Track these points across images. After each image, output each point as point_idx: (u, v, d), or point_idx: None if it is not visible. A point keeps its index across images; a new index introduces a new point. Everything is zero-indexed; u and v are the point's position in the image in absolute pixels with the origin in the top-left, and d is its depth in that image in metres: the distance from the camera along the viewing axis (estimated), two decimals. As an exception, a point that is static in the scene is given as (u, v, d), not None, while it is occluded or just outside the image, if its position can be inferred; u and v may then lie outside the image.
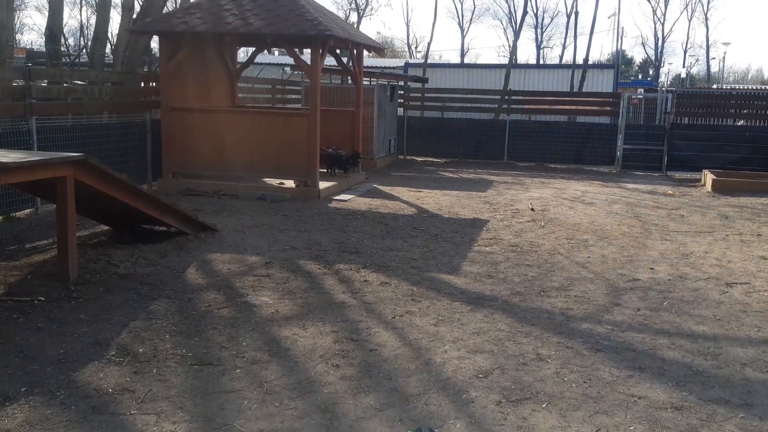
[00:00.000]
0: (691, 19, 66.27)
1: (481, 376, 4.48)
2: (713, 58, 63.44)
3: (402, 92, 18.30)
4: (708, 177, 14.05)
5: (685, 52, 65.13)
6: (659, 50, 65.46)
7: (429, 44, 29.09)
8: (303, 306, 5.80)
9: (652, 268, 7.39)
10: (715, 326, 5.61)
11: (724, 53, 50.72)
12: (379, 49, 14.50)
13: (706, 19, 64.35)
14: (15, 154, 6.06)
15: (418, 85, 20.47)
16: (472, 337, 5.16)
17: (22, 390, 4.09)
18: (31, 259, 6.91)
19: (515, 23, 54.77)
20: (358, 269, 6.94)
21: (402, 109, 18.18)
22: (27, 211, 9.06)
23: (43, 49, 18.80)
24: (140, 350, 4.73)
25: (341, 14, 50.57)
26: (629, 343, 5.17)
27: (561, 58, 59.12)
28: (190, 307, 5.67)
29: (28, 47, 38.42)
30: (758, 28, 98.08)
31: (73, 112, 10.51)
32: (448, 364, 4.66)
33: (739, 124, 17.03)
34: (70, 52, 28.25)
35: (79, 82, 10.98)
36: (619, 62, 34.53)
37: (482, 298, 6.16)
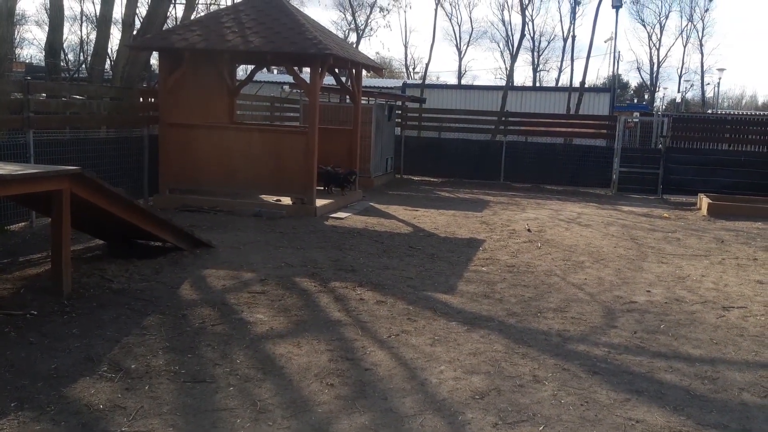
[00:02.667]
0: (686, 45, 66.60)
1: (477, 397, 4.44)
2: (708, 84, 63.99)
3: (400, 112, 18.38)
4: (703, 201, 14.09)
5: (680, 78, 65.69)
6: (654, 75, 65.97)
7: (427, 65, 29.27)
8: (298, 323, 5.75)
9: (648, 291, 7.37)
10: (712, 350, 5.59)
11: (719, 79, 51.09)
12: (377, 69, 14.59)
13: (701, 45, 64.94)
14: (11, 166, 6.03)
15: (416, 105, 20.57)
16: (469, 358, 5.12)
17: (12, 405, 4.03)
18: (25, 272, 6.85)
19: (512, 46, 55.21)
20: (354, 287, 6.90)
21: (399, 128, 18.24)
22: (21, 224, 9.01)
23: (43, 64, 18.85)
24: (132, 366, 4.68)
25: (341, 34, 50.84)
26: (626, 365, 5.13)
27: (557, 81, 59.55)
28: (184, 323, 5.62)
29: (27, 62, 38.50)
30: (752, 55, 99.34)
31: (70, 126, 10.50)
32: (444, 384, 4.62)
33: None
34: (70, 66, 28.31)
35: (77, 97, 10.99)
36: (615, 86, 34.81)
37: (478, 318, 6.12)
